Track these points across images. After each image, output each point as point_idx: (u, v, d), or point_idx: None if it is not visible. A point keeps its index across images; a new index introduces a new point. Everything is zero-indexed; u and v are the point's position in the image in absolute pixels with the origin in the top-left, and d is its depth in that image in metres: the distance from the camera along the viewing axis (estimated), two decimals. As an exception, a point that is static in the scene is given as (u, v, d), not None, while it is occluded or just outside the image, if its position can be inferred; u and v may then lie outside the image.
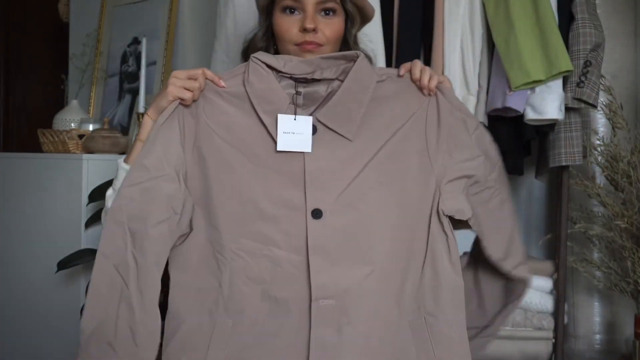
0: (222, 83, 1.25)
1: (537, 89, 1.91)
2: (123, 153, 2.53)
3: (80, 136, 2.55)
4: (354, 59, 1.25)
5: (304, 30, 1.29)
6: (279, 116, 1.22)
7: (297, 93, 1.26)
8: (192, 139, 1.24)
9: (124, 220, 1.21)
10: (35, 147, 2.68)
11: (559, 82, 1.93)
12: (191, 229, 1.23)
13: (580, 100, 1.96)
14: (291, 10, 1.31)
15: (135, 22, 2.98)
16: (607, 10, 2.32)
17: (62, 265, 2.22)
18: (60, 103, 3.25)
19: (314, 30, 1.29)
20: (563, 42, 1.89)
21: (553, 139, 2.02)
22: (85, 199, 2.33)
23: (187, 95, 1.24)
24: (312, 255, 1.18)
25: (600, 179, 2.20)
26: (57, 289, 2.40)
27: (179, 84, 1.24)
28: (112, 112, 2.95)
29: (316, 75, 1.26)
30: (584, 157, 2.05)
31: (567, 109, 1.97)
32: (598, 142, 2.14)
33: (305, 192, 1.20)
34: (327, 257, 1.19)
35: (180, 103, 1.25)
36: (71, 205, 2.38)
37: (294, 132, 1.21)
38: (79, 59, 3.01)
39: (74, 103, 2.77)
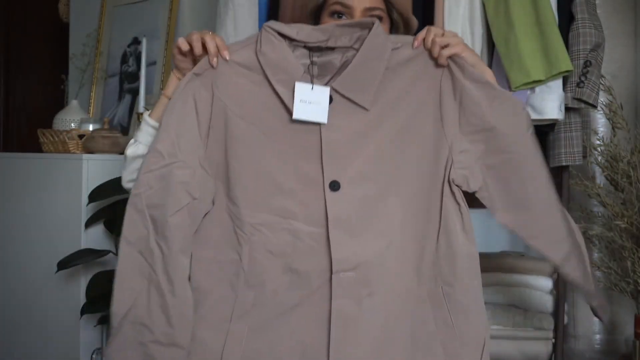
0: (226, 54, 1.22)
1: (537, 89, 1.91)
2: (123, 153, 2.52)
3: (80, 136, 2.55)
4: (369, 27, 1.23)
5: None
6: (297, 84, 1.20)
7: (312, 63, 1.24)
8: (207, 115, 1.23)
9: (144, 208, 1.21)
10: (35, 147, 2.68)
11: (559, 82, 1.92)
12: (213, 204, 1.24)
13: (580, 100, 1.95)
14: (339, 15, 1.33)
15: (135, 22, 2.98)
16: (607, 10, 2.32)
17: (62, 265, 2.22)
18: (60, 103, 3.25)
19: None
20: (563, 42, 1.89)
21: (553, 139, 2.02)
22: (85, 199, 2.33)
23: (186, 46, 1.23)
24: (332, 227, 1.18)
25: (600, 179, 2.20)
26: (57, 289, 2.40)
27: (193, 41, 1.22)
28: (112, 112, 2.95)
29: (330, 43, 1.23)
30: (584, 157, 2.05)
31: (567, 109, 1.97)
32: (598, 142, 2.14)
33: (322, 164, 1.19)
34: (347, 230, 1.19)
35: (193, 74, 1.23)
36: (71, 205, 2.38)
37: (311, 101, 1.20)
38: (79, 59, 3.01)
39: (74, 103, 2.77)
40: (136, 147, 1.31)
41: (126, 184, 1.32)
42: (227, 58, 1.22)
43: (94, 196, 2.29)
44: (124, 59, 2.98)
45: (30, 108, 3.97)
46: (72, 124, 2.65)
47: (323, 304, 1.19)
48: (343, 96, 1.22)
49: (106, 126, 2.60)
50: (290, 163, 1.21)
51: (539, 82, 1.89)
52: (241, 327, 1.21)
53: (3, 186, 2.63)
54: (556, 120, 1.94)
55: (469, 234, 1.27)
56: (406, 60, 1.25)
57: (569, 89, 1.95)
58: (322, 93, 1.20)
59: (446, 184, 1.25)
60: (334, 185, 1.19)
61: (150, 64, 2.76)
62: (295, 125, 1.21)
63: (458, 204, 1.27)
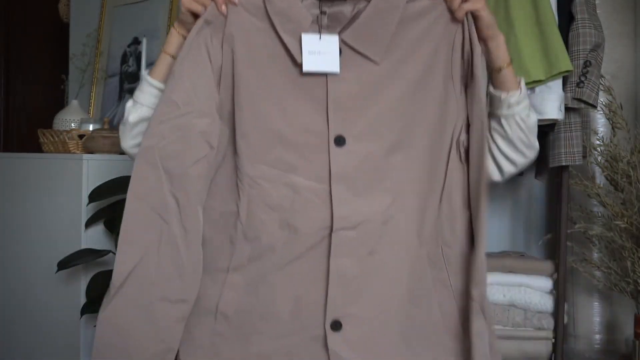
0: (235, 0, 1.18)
1: (537, 89, 1.91)
2: (123, 153, 2.52)
3: (80, 136, 2.55)
4: None
5: None
6: (303, 35, 1.15)
7: (322, 13, 1.19)
8: (219, 62, 1.18)
9: (157, 160, 1.16)
10: (35, 147, 2.68)
11: (558, 82, 1.93)
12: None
13: (580, 100, 1.96)
14: None
15: (135, 22, 2.98)
16: (607, 10, 2.32)
17: (62, 265, 2.22)
18: (60, 103, 3.26)
19: None
20: (563, 42, 1.89)
21: (553, 139, 2.02)
22: (85, 199, 2.33)
23: (199, 8, 1.18)
24: (335, 184, 1.14)
25: (600, 179, 2.20)
26: (57, 289, 2.40)
27: None
28: (112, 112, 2.95)
29: None
30: (584, 157, 2.05)
31: (567, 109, 1.97)
32: (598, 142, 2.14)
33: (327, 118, 1.15)
34: (350, 187, 1.15)
35: (204, 22, 1.18)
36: (71, 205, 2.38)
37: (320, 52, 1.15)
38: (79, 59, 3.01)
39: (74, 103, 2.78)
40: (139, 110, 1.26)
41: (130, 149, 1.28)
42: (236, 2, 1.17)
43: (94, 196, 2.29)
44: (124, 59, 2.98)
45: (30, 108, 3.98)
46: (72, 124, 2.65)
47: (321, 261, 1.15)
48: (352, 48, 1.16)
49: (106, 126, 2.60)
50: (295, 115, 1.16)
51: (539, 82, 1.89)
52: (237, 279, 1.18)
53: (3, 186, 2.63)
54: (556, 120, 1.94)
55: (467, 196, 1.22)
56: (421, 12, 1.19)
57: (569, 89, 1.96)
58: (330, 42, 1.15)
59: (454, 144, 1.21)
60: (339, 141, 1.14)
61: (150, 64, 2.76)
62: (301, 77, 1.16)
63: (462, 164, 1.22)
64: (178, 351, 1.20)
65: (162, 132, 1.16)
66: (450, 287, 1.21)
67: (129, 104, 1.28)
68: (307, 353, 1.17)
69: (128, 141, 1.29)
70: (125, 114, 1.28)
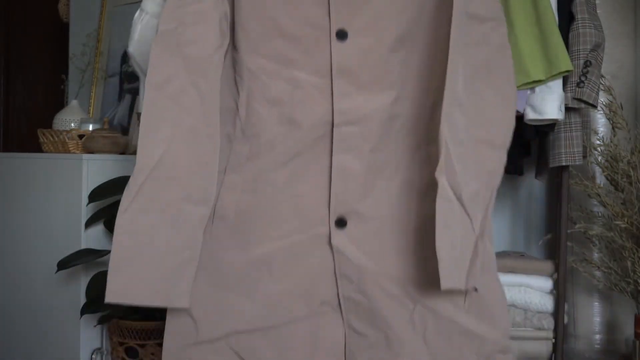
0: None
1: (537, 89, 1.91)
2: (123, 153, 2.52)
3: (80, 136, 2.55)
4: None
5: None
6: None
7: None
8: None
9: (175, 46, 1.11)
10: (35, 147, 2.68)
11: (559, 82, 1.93)
12: None
13: (580, 100, 1.96)
14: None
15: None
16: (607, 10, 2.32)
17: (62, 265, 2.22)
18: (60, 103, 3.26)
19: None
20: (563, 42, 1.89)
21: (553, 139, 2.02)
22: (85, 199, 2.33)
23: None
24: (336, 78, 1.11)
25: (600, 179, 2.20)
26: (57, 289, 2.40)
27: None
28: (112, 112, 2.95)
29: None
30: (584, 157, 2.05)
31: (567, 109, 1.97)
32: (598, 142, 2.14)
33: (329, 11, 1.11)
34: (352, 81, 1.12)
35: None
36: (71, 205, 2.38)
37: None
38: (79, 59, 3.01)
39: (74, 103, 2.77)
40: (147, 19, 1.22)
41: (135, 50, 1.25)
42: None
43: (94, 196, 2.29)
44: (124, 59, 2.98)
45: (30, 108, 3.98)
46: (72, 124, 2.65)
47: (323, 158, 1.12)
48: None
49: (106, 126, 2.60)
50: (295, 7, 1.12)
51: (539, 82, 1.89)
52: (235, 180, 1.15)
53: (3, 186, 2.63)
54: (556, 120, 1.94)
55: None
56: None
57: (569, 89, 1.96)
58: None
59: None
60: (341, 35, 1.11)
61: (150, 64, 2.76)
62: None
63: None
64: None
65: (182, 17, 1.12)
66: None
67: (137, 15, 1.25)
68: (310, 252, 1.13)
69: (138, 47, 1.27)
70: (132, 28, 1.26)
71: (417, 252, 1.14)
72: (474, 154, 1.11)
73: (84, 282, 2.32)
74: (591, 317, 2.36)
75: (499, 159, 1.14)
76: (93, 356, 2.36)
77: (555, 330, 2.10)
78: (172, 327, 1.16)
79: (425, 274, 1.13)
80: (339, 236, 1.12)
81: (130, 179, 1.10)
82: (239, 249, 1.15)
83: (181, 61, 1.11)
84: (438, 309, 1.13)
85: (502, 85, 1.14)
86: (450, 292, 1.11)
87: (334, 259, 1.13)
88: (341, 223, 1.12)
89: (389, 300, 1.13)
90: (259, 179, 1.14)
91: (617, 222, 2.06)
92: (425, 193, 1.15)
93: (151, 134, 1.11)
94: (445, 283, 1.04)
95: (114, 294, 1.13)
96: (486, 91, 1.14)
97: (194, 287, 1.13)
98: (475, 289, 1.13)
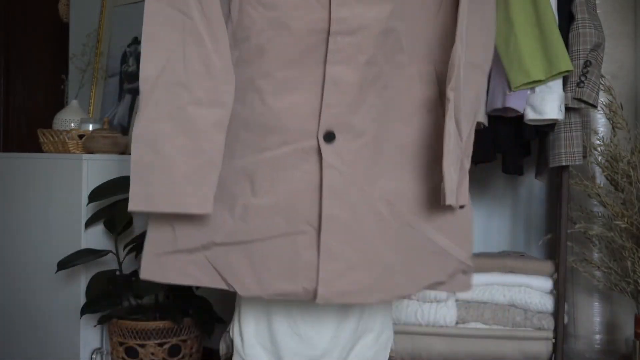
0: None
1: (537, 89, 1.91)
2: (123, 153, 2.52)
3: (80, 136, 2.55)
4: None
5: None
6: None
7: None
8: None
9: None
10: (35, 147, 2.68)
11: (559, 82, 1.93)
12: None
13: (580, 100, 1.96)
14: None
15: (135, 22, 2.98)
16: (607, 10, 2.32)
17: (62, 265, 2.22)
18: (60, 103, 3.26)
19: None
20: (563, 42, 1.89)
21: (553, 139, 2.02)
22: (85, 199, 2.33)
23: None
24: None
25: (600, 179, 2.20)
26: (57, 289, 2.40)
27: None
28: (112, 112, 2.95)
29: None
30: (584, 157, 2.05)
31: (567, 109, 1.97)
32: (598, 142, 2.14)
33: None
34: None
35: None
36: (71, 205, 2.38)
37: None
38: (79, 59, 3.01)
39: (74, 103, 2.77)
40: None
41: None
42: None
43: (94, 196, 2.29)
44: (124, 59, 2.98)
45: (30, 108, 3.98)
46: (72, 124, 2.65)
47: (316, 67, 1.10)
48: None
49: (106, 126, 2.60)
50: None
51: (539, 82, 1.89)
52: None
53: (3, 186, 2.63)
54: (556, 120, 1.94)
55: (462, 15, 1.16)
56: None
57: (569, 89, 1.96)
58: None
59: None
60: None
61: (150, 64, 2.76)
62: None
63: None
64: None
65: None
66: (440, 104, 1.16)
67: None
68: (296, 166, 1.12)
69: None
70: None
71: (403, 171, 1.14)
72: (470, 78, 1.12)
73: (84, 282, 2.32)
74: (591, 317, 2.36)
75: (484, 84, 1.17)
76: (93, 356, 2.36)
77: (555, 330, 2.10)
78: (153, 234, 1.18)
79: (410, 192, 1.14)
80: (328, 150, 1.10)
81: (139, 93, 1.12)
82: (224, 160, 1.13)
83: None
84: (417, 227, 1.15)
85: (486, 13, 1.16)
86: (430, 212, 1.13)
87: (321, 173, 1.10)
88: (330, 137, 1.10)
89: (374, 218, 1.13)
90: (248, 87, 1.13)
91: (617, 222, 2.06)
92: (412, 113, 1.15)
93: (153, 44, 1.12)
94: (448, 199, 1.06)
95: (135, 203, 1.13)
96: (475, 18, 1.14)
97: None
98: (462, 207, 1.14)
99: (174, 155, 1.10)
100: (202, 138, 1.10)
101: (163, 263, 1.19)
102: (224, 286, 1.16)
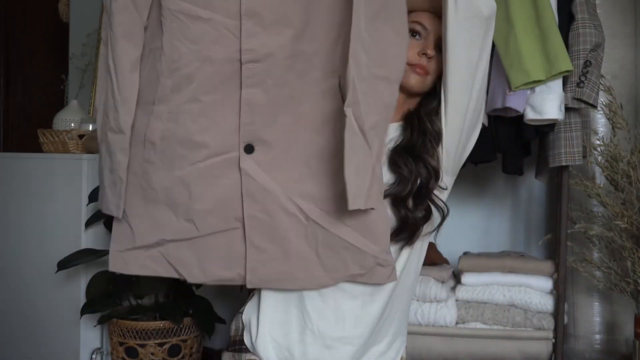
0: None
1: (537, 89, 1.92)
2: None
3: (80, 136, 2.55)
4: None
5: (424, 54, 1.37)
6: None
7: None
8: None
9: (107, 2, 1.36)
10: (35, 147, 2.68)
11: (558, 82, 1.93)
12: None
13: (580, 100, 1.96)
14: (414, 34, 1.38)
15: (135, 22, 2.98)
16: (607, 10, 2.33)
17: (62, 265, 2.22)
18: (60, 103, 3.26)
19: (430, 58, 1.37)
20: (563, 42, 1.89)
21: (553, 139, 2.02)
22: (85, 199, 2.33)
23: None
24: (244, 19, 1.26)
25: (600, 179, 2.20)
26: (57, 289, 2.40)
27: None
28: (112, 112, 2.95)
29: None
30: (584, 157, 2.05)
31: (567, 109, 1.97)
32: (598, 142, 2.14)
33: None
34: (258, 22, 1.27)
35: None
36: (71, 205, 2.38)
37: None
38: (79, 59, 3.01)
39: (74, 103, 2.78)
40: None
41: None
42: None
43: (94, 196, 2.29)
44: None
45: (30, 108, 3.98)
46: (72, 124, 2.65)
47: (235, 91, 1.28)
48: None
49: (106, 126, 2.60)
50: None
51: (538, 82, 1.89)
52: (162, 109, 1.32)
53: (3, 186, 2.63)
54: (556, 120, 1.94)
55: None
56: None
57: (569, 89, 1.96)
58: None
59: None
60: None
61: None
62: None
63: None
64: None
65: None
66: (344, 114, 1.27)
67: None
68: (223, 174, 1.31)
69: None
70: None
71: (314, 177, 1.31)
72: (374, 89, 1.25)
73: (84, 282, 2.33)
74: (591, 317, 2.36)
75: (394, 93, 1.27)
76: (93, 356, 2.36)
77: (555, 330, 2.10)
78: (116, 234, 1.43)
79: (320, 195, 1.31)
80: (246, 160, 1.30)
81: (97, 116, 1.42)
82: (165, 170, 1.34)
83: (108, 13, 1.35)
84: (327, 226, 1.30)
85: (397, 23, 1.26)
86: (340, 212, 1.29)
87: (241, 181, 1.30)
88: (249, 149, 1.30)
89: (287, 217, 1.31)
90: (180, 109, 1.31)
91: (617, 222, 2.06)
92: (323, 123, 1.30)
93: (101, 76, 1.40)
94: (352, 204, 1.21)
95: (98, 202, 1.49)
96: (385, 30, 1.25)
97: (132, 201, 1.38)
98: (372, 209, 1.27)
99: (104, 169, 1.40)
100: (113, 159, 1.36)
101: (126, 258, 1.43)
102: (176, 275, 1.39)
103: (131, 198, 1.38)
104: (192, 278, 1.37)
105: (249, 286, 1.35)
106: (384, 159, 1.36)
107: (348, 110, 1.21)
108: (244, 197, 1.31)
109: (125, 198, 1.38)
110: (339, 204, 1.29)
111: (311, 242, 1.32)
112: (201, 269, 1.36)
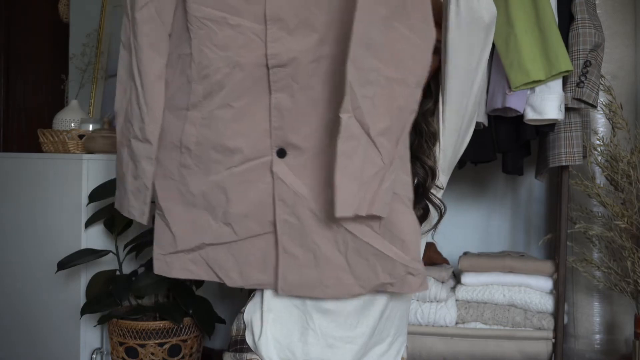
0: None
1: (537, 89, 1.92)
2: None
3: (80, 136, 2.55)
4: None
5: None
6: None
7: None
8: None
9: (129, 9, 1.36)
10: (35, 147, 2.68)
11: (558, 82, 1.93)
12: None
13: (580, 100, 1.96)
14: None
15: (135, 22, 2.98)
16: (607, 10, 2.32)
17: (62, 265, 2.22)
18: (60, 103, 3.26)
19: None
20: (563, 42, 1.89)
21: (553, 139, 2.02)
22: (85, 199, 2.33)
23: None
24: (269, 24, 1.26)
25: (600, 179, 2.20)
26: (57, 289, 2.40)
27: None
28: (112, 112, 2.94)
29: None
30: (584, 157, 2.05)
31: (567, 109, 1.97)
32: (598, 142, 2.14)
33: None
34: (283, 26, 1.26)
35: None
36: (71, 205, 2.38)
37: None
38: (79, 59, 3.01)
39: (74, 103, 2.77)
40: None
41: None
42: None
43: (94, 196, 2.29)
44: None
45: (30, 108, 3.98)
46: (72, 124, 2.65)
47: (264, 96, 1.29)
48: None
49: (106, 126, 2.60)
50: None
51: (538, 82, 1.89)
52: (195, 115, 1.33)
53: (3, 186, 2.63)
54: (556, 120, 1.94)
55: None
56: None
57: (568, 89, 1.96)
58: None
59: None
60: None
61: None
62: None
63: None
64: (155, 187, 1.39)
65: None
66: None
67: None
68: (259, 179, 1.32)
69: None
70: None
71: (342, 182, 1.27)
72: (386, 92, 1.22)
73: (84, 282, 2.32)
74: (591, 317, 2.36)
75: (411, 96, 1.24)
76: (93, 356, 2.36)
77: (555, 330, 2.10)
78: (158, 237, 1.44)
79: None
80: (279, 164, 1.31)
81: (116, 121, 1.44)
82: (202, 175, 1.35)
83: (129, 20, 1.35)
84: (356, 232, 1.29)
85: (417, 24, 1.22)
86: (368, 218, 1.26)
87: (273, 184, 1.31)
88: (282, 153, 1.31)
89: (317, 222, 1.30)
90: (212, 115, 1.32)
91: (617, 222, 2.06)
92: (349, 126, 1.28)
93: (121, 83, 1.40)
94: (339, 212, 1.20)
95: (115, 203, 1.51)
96: (402, 30, 1.22)
97: (171, 206, 1.39)
98: (380, 217, 1.26)
99: (126, 175, 1.41)
100: (138, 166, 1.38)
101: (169, 261, 1.43)
102: (216, 279, 1.40)
103: (170, 202, 1.39)
104: (231, 282, 1.39)
105: (280, 293, 1.35)
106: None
107: (343, 116, 1.19)
108: (276, 201, 1.31)
109: (163, 202, 1.38)
110: None
111: (341, 249, 1.31)
112: (240, 272, 1.37)
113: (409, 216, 1.29)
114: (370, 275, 1.31)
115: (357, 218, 1.25)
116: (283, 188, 1.31)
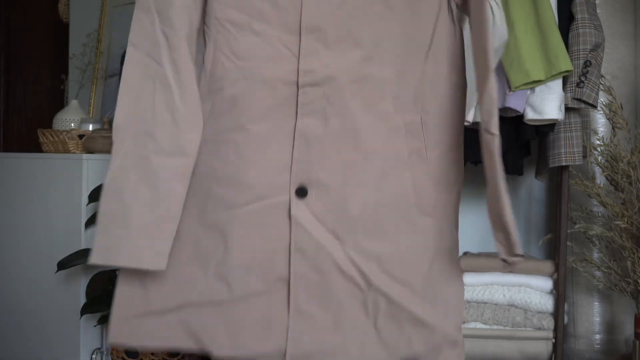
0: None
1: (537, 89, 1.91)
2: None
3: (80, 136, 2.55)
4: None
5: None
6: None
7: None
8: None
9: (150, 4, 1.12)
10: (35, 147, 2.68)
11: (558, 82, 1.93)
12: None
13: (580, 100, 1.96)
14: None
15: (135, 22, 2.98)
16: (607, 10, 2.32)
17: (62, 265, 2.22)
18: (60, 103, 3.26)
19: None
20: (563, 42, 1.89)
21: (553, 139, 2.02)
22: (85, 199, 2.33)
23: None
24: (304, 34, 1.06)
25: (600, 179, 2.20)
26: (57, 289, 2.40)
27: None
28: (112, 112, 2.94)
29: None
30: (584, 157, 2.05)
31: (567, 109, 1.97)
32: (598, 142, 2.14)
33: None
34: (320, 38, 1.07)
35: None
36: (71, 205, 2.38)
37: None
38: (79, 59, 3.01)
39: (74, 103, 2.77)
40: None
41: None
42: None
43: (94, 196, 2.29)
44: (124, 59, 2.98)
45: (30, 108, 3.97)
46: (72, 124, 2.65)
47: (288, 120, 1.08)
48: None
49: (106, 126, 2.60)
50: None
51: (538, 82, 1.89)
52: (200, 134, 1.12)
53: (3, 186, 2.63)
54: (556, 120, 1.94)
55: (457, 60, 1.12)
56: None
57: (568, 89, 1.96)
58: None
59: (444, 2, 1.11)
60: None
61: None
62: None
63: (455, 25, 1.12)
64: None
65: None
66: (426, 157, 1.11)
67: None
68: (270, 223, 1.08)
69: None
70: None
71: (381, 231, 1.09)
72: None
73: (84, 282, 2.32)
74: (591, 317, 2.36)
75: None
76: (93, 356, 2.36)
77: (555, 330, 2.10)
78: (121, 296, 1.13)
79: (386, 254, 1.09)
80: (298, 206, 1.07)
81: (112, 137, 1.12)
82: (196, 215, 1.10)
83: (154, 16, 1.11)
84: (392, 293, 1.09)
85: (482, 27, 1.10)
86: (408, 276, 1.07)
87: (290, 231, 1.08)
88: (302, 192, 1.07)
89: (343, 279, 1.08)
90: (220, 140, 1.10)
91: (617, 222, 2.05)
92: (392, 167, 1.09)
93: (127, 91, 1.12)
94: (519, 249, 1.03)
95: (95, 256, 1.09)
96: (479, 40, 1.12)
97: None
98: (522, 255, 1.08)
99: (132, 206, 1.08)
100: (161, 188, 1.08)
101: (134, 326, 1.13)
102: (196, 349, 1.10)
103: None
104: (218, 350, 1.09)
105: None
106: None
107: (495, 139, 1.07)
108: (292, 251, 1.08)
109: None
110: (410, 267, 1.09)
111: (370, 312, 1.09)
112: (231, 338, 1.09)
113: (457, 277, 1.13)
114: (401, 344, 1.09)
115: (396, 276, 1.07)
116: (303, 236, 1.07)
